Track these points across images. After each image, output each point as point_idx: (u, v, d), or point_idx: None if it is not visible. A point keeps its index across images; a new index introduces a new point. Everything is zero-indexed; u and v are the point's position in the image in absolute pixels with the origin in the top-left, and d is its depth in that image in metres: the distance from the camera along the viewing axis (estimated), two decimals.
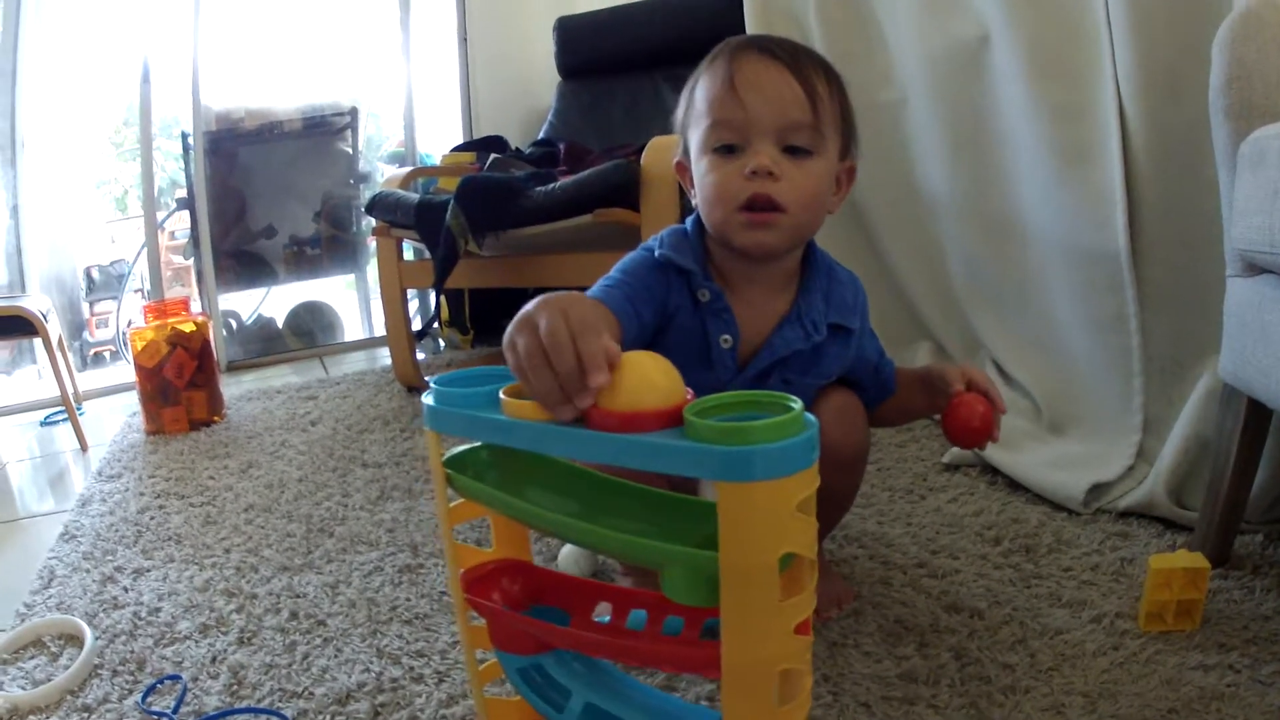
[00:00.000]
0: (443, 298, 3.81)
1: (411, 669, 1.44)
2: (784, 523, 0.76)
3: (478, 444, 1.07)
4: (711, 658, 0.80)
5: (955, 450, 2.11)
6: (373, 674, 1.43)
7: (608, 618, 1.04)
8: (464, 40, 4.37)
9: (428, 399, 0.98)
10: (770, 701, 0.81)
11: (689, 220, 1.41)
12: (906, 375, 1.55)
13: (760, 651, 0.79)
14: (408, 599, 1.67)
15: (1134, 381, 1.93)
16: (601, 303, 1.22)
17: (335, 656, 1.50)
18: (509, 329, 0.90)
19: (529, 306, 0.90)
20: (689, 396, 0.84)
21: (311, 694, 1.39)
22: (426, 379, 3.11)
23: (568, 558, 1.70)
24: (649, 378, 0.85)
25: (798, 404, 0.77)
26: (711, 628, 0.94)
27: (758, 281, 1.38)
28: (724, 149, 1.29)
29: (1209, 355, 1.77)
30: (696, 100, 1.34)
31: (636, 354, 0.87)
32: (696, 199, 1.37)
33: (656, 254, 1.37)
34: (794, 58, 1.28)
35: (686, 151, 1.40)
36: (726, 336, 1.35)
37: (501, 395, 0.91)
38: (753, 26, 2.76)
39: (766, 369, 1.37)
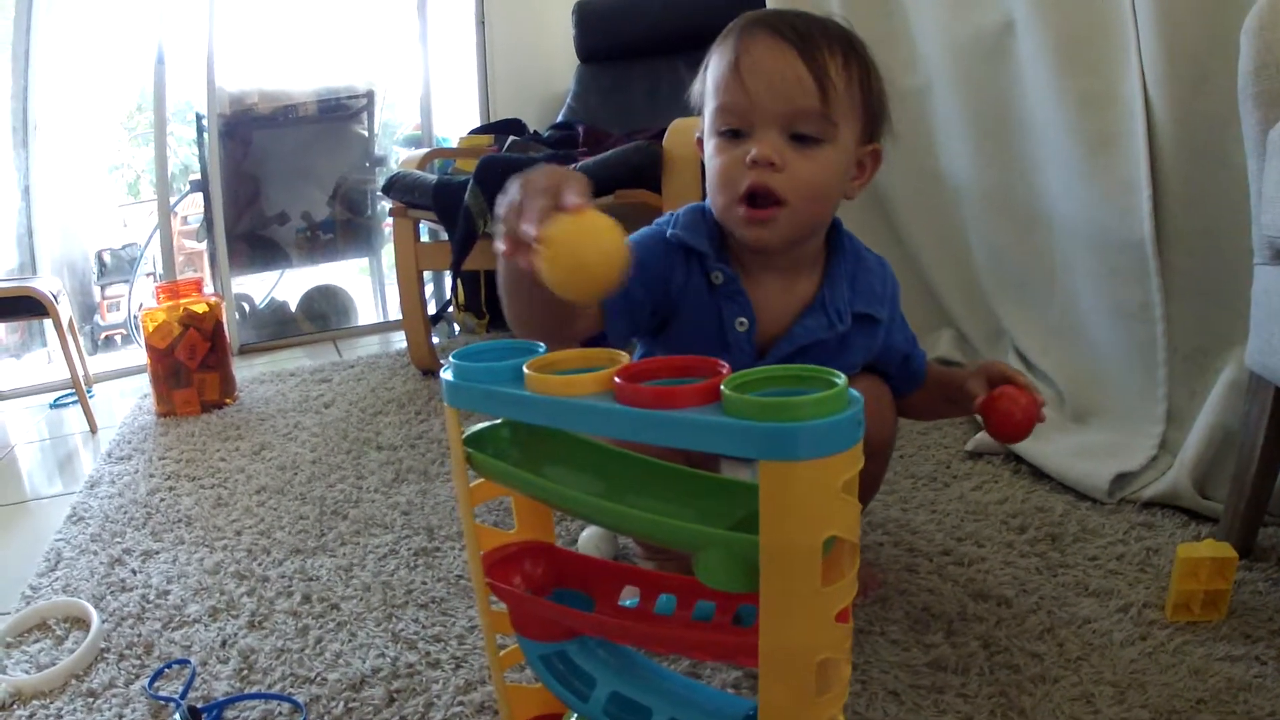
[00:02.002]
0: (459, 281, 3.79)
1: (428, 654, 1.42)
2: (828, 504, 0.73)
3: (498, 421, 1.04)
4: (748, 645, 0.78)
5: (978, 437, 2.10)
6: (388, 659, 1.41)
7: (634, 601, 1.02)
8: (482, 23, 4.35)
9: (447, 374, 0.96)
10: (809, 691, 0.78)
11: (709, 199, 1.37)
12: (934, 375, 1.52)
13: (800, 639, 0.76)
14: (423, 583, 1.65)
15: (1158, 371, 1.91)
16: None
17: (349, 641, 1.48)
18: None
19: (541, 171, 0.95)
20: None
21: (324, 679, 1.38)
22: (442, 362, 3.10)
23: (588, 541, 1.68)
24: (590, 234, 0.88)
25: (841, 379, 0.74)
26: (743, 614, 0.92)
27: (775, 266, 1.33)
28: (730, 133, 1.25)
29: (1234, 345, 1.76)
30: (708, 79, 1.29)
31: (581, 212, 0.90)
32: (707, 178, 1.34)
33: (669, 234, 1.33)
34: (805, 38, 1.21)
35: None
36: (742, 320, 1.31)
37: (526, 370, 0.88)
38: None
39: (787, 358, 1.32)
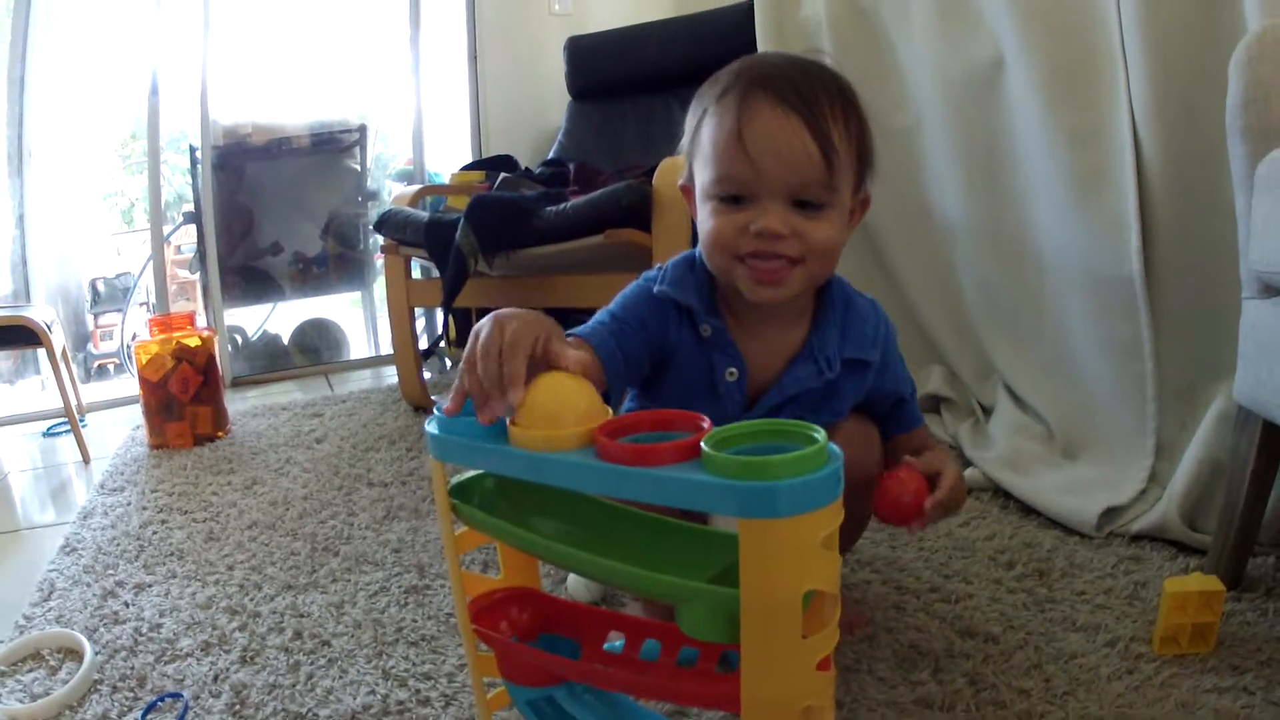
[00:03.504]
0: (450, 317, 3.80)
1: (418, 691, 1.42)
2: (808, 559, 0.74)
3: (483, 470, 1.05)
4: (732, 693, 0.79)
5: (965, 473, 2.09)
6: (378, 696, 1.41)
7: (620, 643, 1.02)
8: (474, 58, 4.36)
9: (431, 427, 0.96)
10: None
11: (698, 248, 1.34)
12: (919, 434, 1.50)
13: (782, 690, 0.77)
14: (414, 620, 1.65)
15: (1147, 406, 1.92)
16: (584, 339, 1.22)
17: (340, 677, 1.48)
18: (483, 320, 0.95)
19: (507, 312, 0.96)
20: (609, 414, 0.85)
21: (316, 715, 1.38)
22: (432, 398, 3.10)
23: (577, 581, 1.68)
24: (567, 398, 0.87)
25: (821, 434, 0.74)
26: (730, 656, 0.92)
27: (766, 317, 1.32)
28: (730, 199, 1.22)
29: (1222, 379, 1.76)
30: (703, 139, 1.25)
31: (555, 375, 0.90)
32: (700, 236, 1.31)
33: (655, 290, 1.32)
34: (809, 104, 1.18)
35: (692, 175, 1.31)
36: (732, 369, 1.30)
37: (509, 423, 0.88)
38: (765, 48, 2.75)
39: (776, 407, 1.32)
